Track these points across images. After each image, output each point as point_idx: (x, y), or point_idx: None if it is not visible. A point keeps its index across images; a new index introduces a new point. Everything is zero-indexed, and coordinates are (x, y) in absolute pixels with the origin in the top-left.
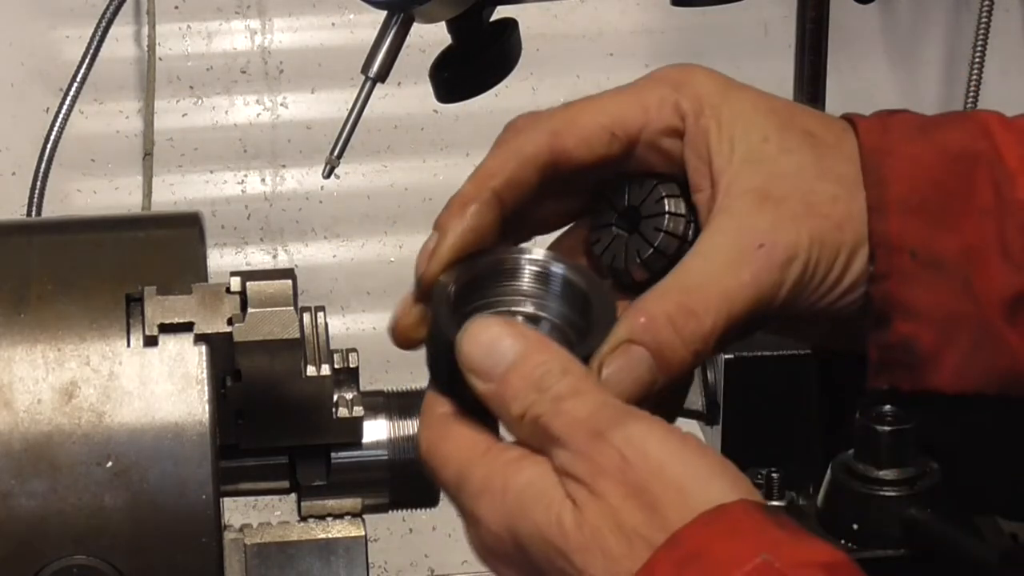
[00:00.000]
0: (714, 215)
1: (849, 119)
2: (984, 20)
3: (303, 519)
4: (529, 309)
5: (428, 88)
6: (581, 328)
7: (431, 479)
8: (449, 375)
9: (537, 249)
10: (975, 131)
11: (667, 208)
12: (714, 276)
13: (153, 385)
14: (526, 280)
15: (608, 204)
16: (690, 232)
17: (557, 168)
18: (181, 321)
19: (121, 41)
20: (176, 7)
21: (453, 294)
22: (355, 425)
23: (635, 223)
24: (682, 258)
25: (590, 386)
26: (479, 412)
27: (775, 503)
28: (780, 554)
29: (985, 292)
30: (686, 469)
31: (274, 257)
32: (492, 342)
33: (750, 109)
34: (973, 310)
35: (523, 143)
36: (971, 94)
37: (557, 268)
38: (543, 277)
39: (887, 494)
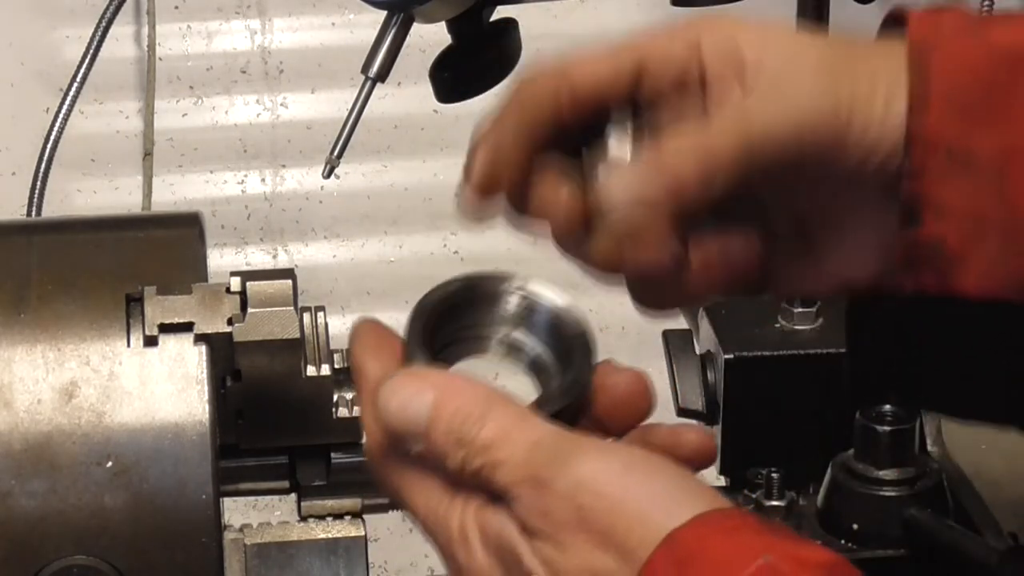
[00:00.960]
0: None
1: (899, 10)
2: None
3: (303, 519)
4: (509, 338)
5: (428, 88)
6: (560, 364)
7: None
8: None
9: (529, 278)
10: None
11: (610, 150)
12: (729, 110)
13: (153, 385)
14: (510, 309)
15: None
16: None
17: (572, 88)
18: (181, 321)
19: (121, 41)
20: (176, 7)
21: (433, 320)
22: (355, 425)
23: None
24: None
25: (514, 424)
26: None
27: (775, 503)
28: (781, 555)
29: (1019, 195)
30: (642, 498)
31: (274, 257)
32: (404, 405)
33: (773, 23)
34: (1005, 214)
35: (529, 75)
36: None
37: (544, 300)
38: (527, 308)
39: (887, 494)
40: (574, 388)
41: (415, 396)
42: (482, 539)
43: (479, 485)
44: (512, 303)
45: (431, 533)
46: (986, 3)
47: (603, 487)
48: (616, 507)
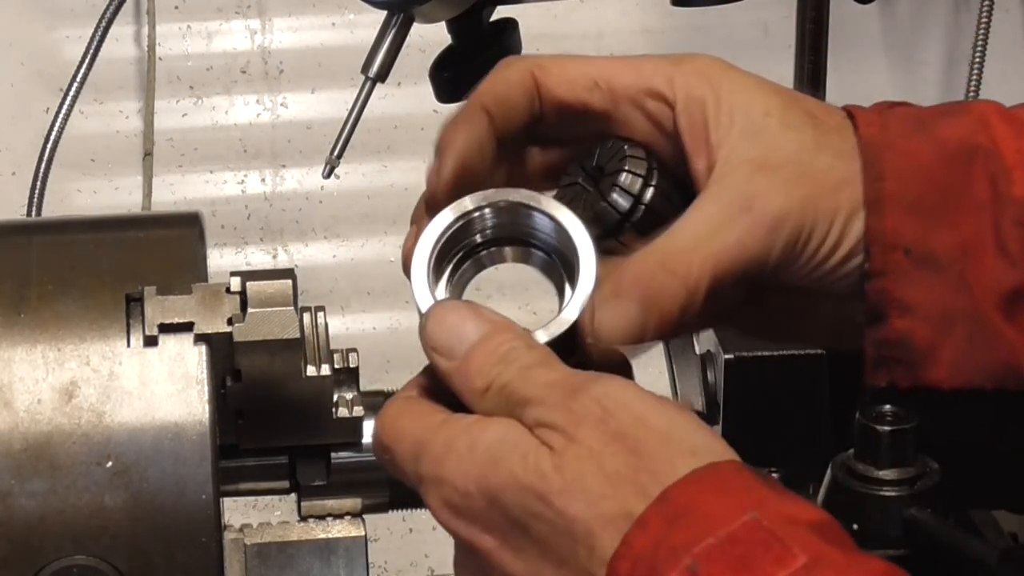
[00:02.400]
0: (710, 183)
1: (848, 111)
2: (984, 20)
3: (303, 519)
4: (512, 251)
5: (428, 88)
6: (566, 268)
7: (384, 462)
8: None
9: (521, 191)
10: (974, 124)
11: (626, 167)
12: (699, 240)
13: (153, 385)
14: (511, 220)
15: (577, 163)
16: (646, 193)
17: (541, 101)
18: (181, 321)
19: (121, 41)
20: (176, 7)
21: (434, 248)
22: (355, 425)
23: (598, 181)
24: (635, 217)
25: (556, 361)
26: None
27: None
28: (767, 512)
29: (981, 287)
30: (667, 420)
31: (274, 257)
32: (456, 324)
33: (752, 86)
34: (969, 305)
35: (510, 71)
36: (971, 94)
37: (542, 207)
38: (528, 217)
39: (887, 494)
40: (588, 269)
41: (468, 321)
42: (469, 451)
43: (497, 400)
44: (511, 215)
45: (414, 465)
46: (986, 3)
47: (631, 402)
48: (639, 418)
